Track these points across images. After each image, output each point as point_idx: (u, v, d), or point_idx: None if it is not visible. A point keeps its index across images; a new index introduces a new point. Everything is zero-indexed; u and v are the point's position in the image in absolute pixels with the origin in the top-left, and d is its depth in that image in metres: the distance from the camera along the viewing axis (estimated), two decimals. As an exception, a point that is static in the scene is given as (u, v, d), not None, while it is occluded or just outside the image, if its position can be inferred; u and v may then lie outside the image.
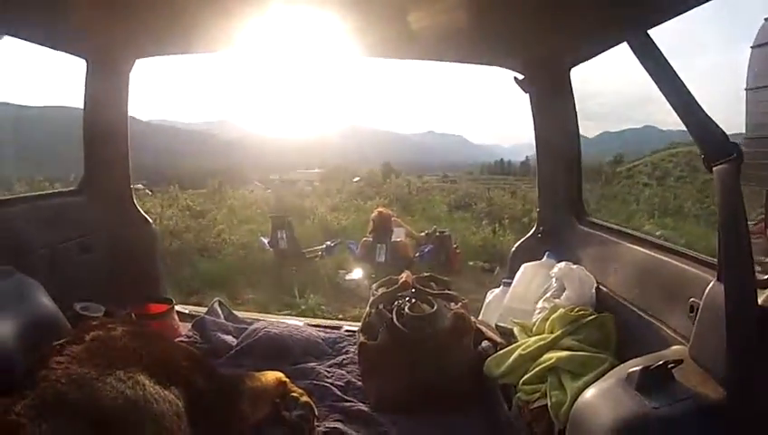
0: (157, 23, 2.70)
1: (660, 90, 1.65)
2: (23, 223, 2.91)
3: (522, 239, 3.37)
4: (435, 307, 2.62)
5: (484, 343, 2.64)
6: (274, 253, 9.29)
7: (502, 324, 2.73)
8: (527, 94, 3.06)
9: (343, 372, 2.85)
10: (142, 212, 3.72)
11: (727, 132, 1.53)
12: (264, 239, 9.49)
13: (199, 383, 2.08)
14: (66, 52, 3.12)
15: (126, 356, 1.92)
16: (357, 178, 22.76)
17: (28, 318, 2.26)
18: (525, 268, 2.89)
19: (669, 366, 1.52)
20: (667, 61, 1.63)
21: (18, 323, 2.18)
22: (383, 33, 2.69)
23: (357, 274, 8.48)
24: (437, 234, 9.73)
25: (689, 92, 1.58)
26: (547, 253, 2.90)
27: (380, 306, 2.75)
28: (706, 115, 1.57)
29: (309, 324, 3.46)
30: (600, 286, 2.46)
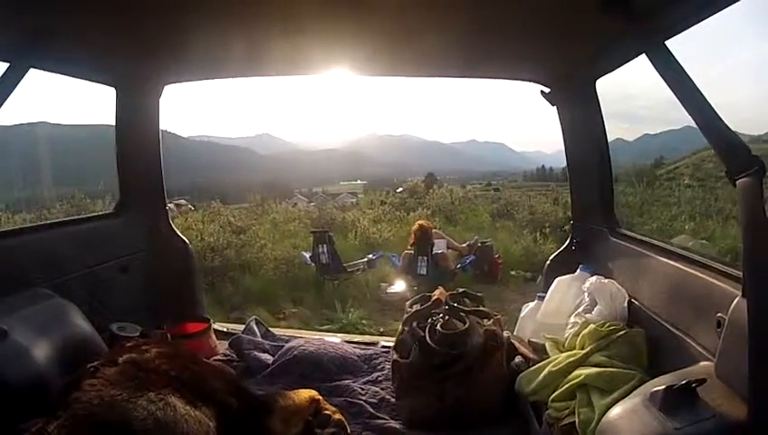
0: (182, 50, 2.76)
1: (680, 101, 1.63)
2: (60, 247, 2.99)
3: (556, 252, 3.35)
4: (467, 324, 2.61)
5: (517, 359, 2.61)
6: (316, 268, 9.34)
7: (534, 340, 2.69)
8: (554, 107, 3.05)
9: (377, 389, 2.86)
10: (178, 232, 3.80)
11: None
12: (305, 254, 9.55)
13: (231, 403, 2.10)
14: (94, 81, 3.20)
15: (158, 377, 1.94)
16: (400, 189, 22.77)
17: (64, 340, 2.37)
18: (558, 282, 2.86)
19: (693, 385, 1.49)
20: (685, 72, 1.62)
21: (54, 346, 2.29)
22: (412, 53, 2.72)
23: (399, 286, 8.51)
24: (479, 244, 9.70)
25: (709, 104, 1.56)
26: (581, 266, 2.85)
27: (414, 324, 2.75)
28: (727, 127, 1.54)
29: (345, 341, 3.49)
30: (633, 300, 2.41)
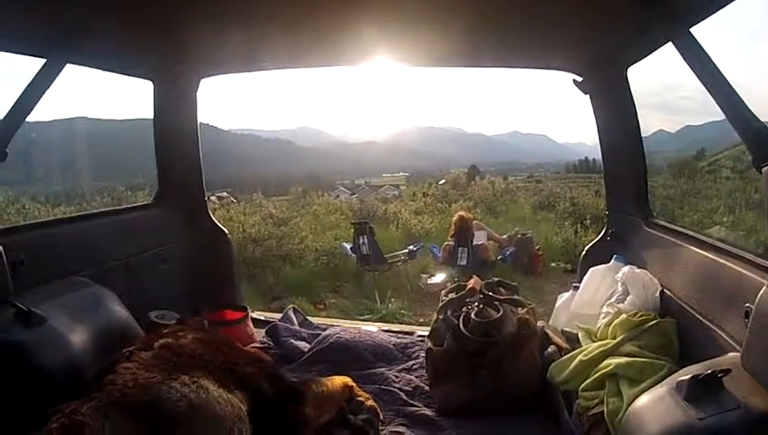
0: (218, 43, 2.81)
1: (706, 89, 1.64)
2: (100, 236, 3.07)
3: (592, 242, 3.33)
4: (500, 313, 2.61)
5: (550, 349, 2.62)
6: (357, 259, 9.39)
7: (567, 329, 2.71)
8: (587, 96, 3.03)
9: (412, 377, 2.89)
10: (218, 223, 3.87)
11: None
12: (346, 245, 9.61)
13: (264, 388, 2.16)
14: (132, 76, 3.29)
15: (192, 362, 2.00)
16: (442, 181, 22.71)
17: (102, 326, 2.45)
18: (592, 272, 2.86)
19: (719, 375, 1.49)
20: (711, 60, 1.62)
21: (92, 331, 2.38)
22: (443, 43, 2.73)
23: (439, 277, 8.50)
24: (519, 236, 9.67)
25: (736, 93, 1.56)
26: (615, 256, 2.86)
27: (448, 312, 2.76)
28: (753, 115, 1.54)
29: (382, 330, 3.52)
30: (665, 290, 2.40)
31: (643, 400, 1.70)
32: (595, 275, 2.82)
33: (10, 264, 2.38)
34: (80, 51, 2.49)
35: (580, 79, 3.02)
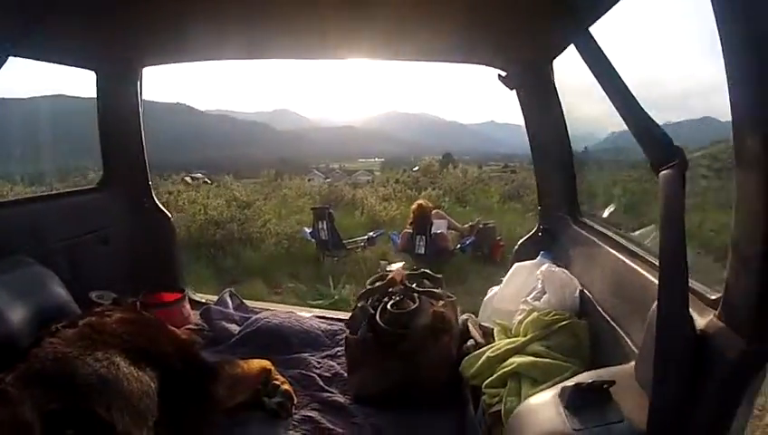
0: (161, 33, 2.83)
1: (604, 91, 1.62)
2: (44, 218, 3.15)
3: (524, 238, 3.32)
4: (416, 305, 2.66)
5: (469, 343, 2.65)
6: (316, 244, 9.46)
7: (485, 324, 2.74)
8: (513, 91, 3.03)
9: (333, 363, 2.96)
10: (161, 206, 3.93)
11: None
12: (306, 230, 9.68)
13: (177, 367, 2.26)
14: (73, 66, 3.30)
15: (110, 340, 2.16)
16: (416, 168, 22.70)
17: (40, 305, 2.56)
18: (516, 268, 2.87)
19: (604, 386, 1.46)
20: (608, 60, 1.61)
21: (30, 309, 2.49)
22: (374, 37, 2.73)
23: (397, 265, 8.53)
24: (481, 226, 9.68)
25: (632, 96, 1.55)
26: (542, 253, 2.85)
27: (368, 301, 2.83)
28: (650, 119, 1.53)
29: (315, 316, 3.59)
30: (584, 291, 2.38)
31: (530, 402, 1.68)
32: (519, 271, 2.82)
33: None
34: (22, 43, 2.50)
35: (504, 74, 3.00)
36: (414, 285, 2.88)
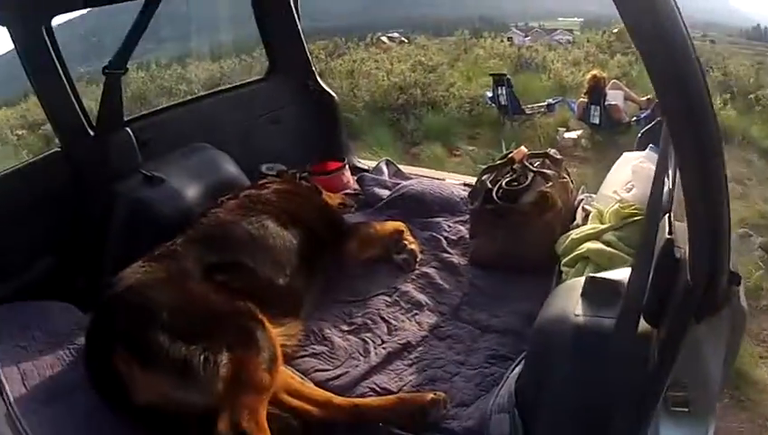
0: None
1: None
2: (216, 110, 3.77)
3: (653, 122, 3.30)
4: (526, 183, 2.91)
5: (574, 223, 2.88)
6: (497, 109, 9.58)
7: (587, 207, 2.90)
8: None
9: (462, 228, 3.24)
10: (325, 87, 4.34)
11: None
12: (488, 94, 9.79)
13: (317, 228, 2.86)
14: None
15: (263, 207, 2.78)
16: (615, 30, 21.07)
17: (213, 182, 3.26)
18: (624, 157, 2.95)
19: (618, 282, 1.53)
20: None
21: (204, 187, 3.20)
22: None
23: (574, 133, 8.54)
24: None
25: None
26: (650, 146, 2.80)
27: (487, 176, 3.11)
28: None
29: (464, 183, 3.77)
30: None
31: (566, 283, 1.87)
32: (626, 160, 2.90)
33: (139, 143, 3.19)
34: None
35: None
36: (535, 165, 3.06)
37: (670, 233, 1.34)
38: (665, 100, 1.14)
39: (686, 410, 1.34)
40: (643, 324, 1.37)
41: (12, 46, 2.81)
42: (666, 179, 1.57)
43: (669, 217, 1.41)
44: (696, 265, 1.23)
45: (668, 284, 1.31)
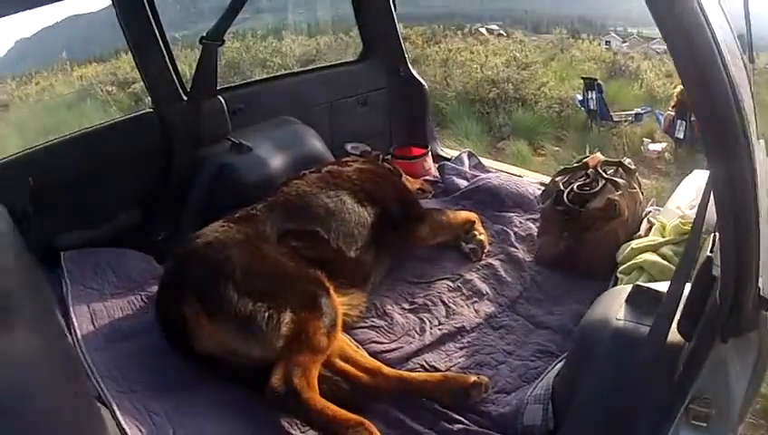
0: None
1: None
2: (307, 87, 3.95)
3: None
4: (596, 189, 2.98)
5: (639, 233, 2.94)
6: (586, 112, 9.51)
7: (652, 219, 2.94)
8: None
9: (532, 225, 3.33)
10: (416, 74, 4.46)
11: None
12: (578, 97, 9.70)
13: (393, 209, 3.01)
14: None
15: (343, 183, 2.93)
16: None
17: (298, 154, 3.44)
18: (694, 174, 3.03)
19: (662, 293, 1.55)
20: None
21: (289, 158, 3.38)
22: None
23: (659, 145, 8.41)
24: (754, 121, 8.89)
25: None
26: None
27: (560, 178, 3.19)
28: None
29: (541, 182, 3.86)
30: None
31: (616, 289, 1.94)
32: (695, 177, 2.97)
33: (230, 111, 3.39)
34: None
35: None
36: (608, 173, 3.11)
37: (712, 251, 1.40)
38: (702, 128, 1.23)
39: (705, 424, 1.39)
40: (676, 335, 1.43)
41: (106, 3, 3.02)
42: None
43: (714, 236, 1.44)
44: (724, 286, 1.30)
45: (703, 299, 1.38)
